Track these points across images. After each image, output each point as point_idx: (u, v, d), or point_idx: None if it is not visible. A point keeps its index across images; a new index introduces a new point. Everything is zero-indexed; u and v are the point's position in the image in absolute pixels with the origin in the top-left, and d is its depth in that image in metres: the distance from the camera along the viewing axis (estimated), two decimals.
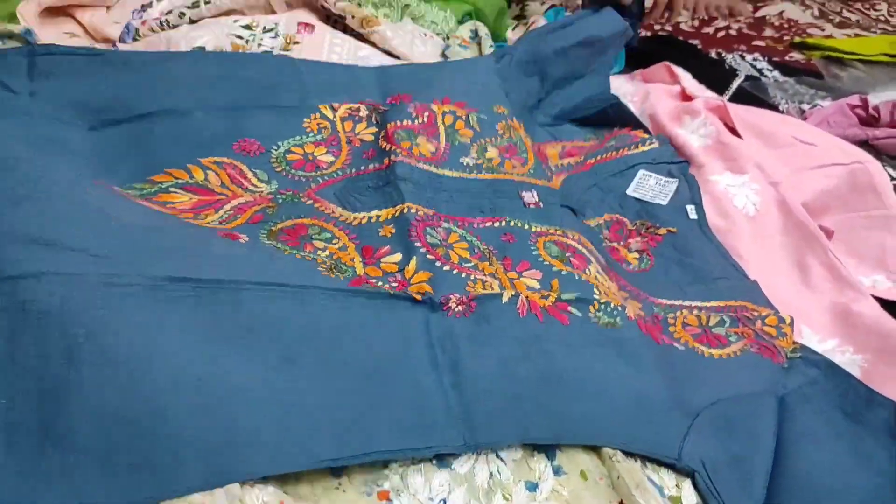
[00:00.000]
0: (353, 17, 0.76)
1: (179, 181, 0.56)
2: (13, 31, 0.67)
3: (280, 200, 0.58)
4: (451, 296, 0.50)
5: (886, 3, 1.43)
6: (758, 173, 0.68)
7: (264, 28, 0.73)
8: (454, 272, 0.53)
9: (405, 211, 0.57)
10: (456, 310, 0.49)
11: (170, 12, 0.75)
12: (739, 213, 0.66)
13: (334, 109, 0.66)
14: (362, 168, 0.63)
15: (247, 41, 0.72)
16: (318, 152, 0.63)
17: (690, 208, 0.69)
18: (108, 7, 0.79)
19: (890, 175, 0.76)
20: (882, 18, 1.37)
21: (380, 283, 0.50)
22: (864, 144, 0.84)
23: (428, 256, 0.53)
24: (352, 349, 0.44)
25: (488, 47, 0.89)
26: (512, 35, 0.93)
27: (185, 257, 0.45)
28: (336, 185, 0.61)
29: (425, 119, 0.65)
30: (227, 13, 0.76)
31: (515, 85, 0.74)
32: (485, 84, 0.72)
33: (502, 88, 0.72)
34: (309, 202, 0.58)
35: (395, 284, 0.51)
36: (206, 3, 0.76)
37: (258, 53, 0.71)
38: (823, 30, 1.30)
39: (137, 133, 0.58)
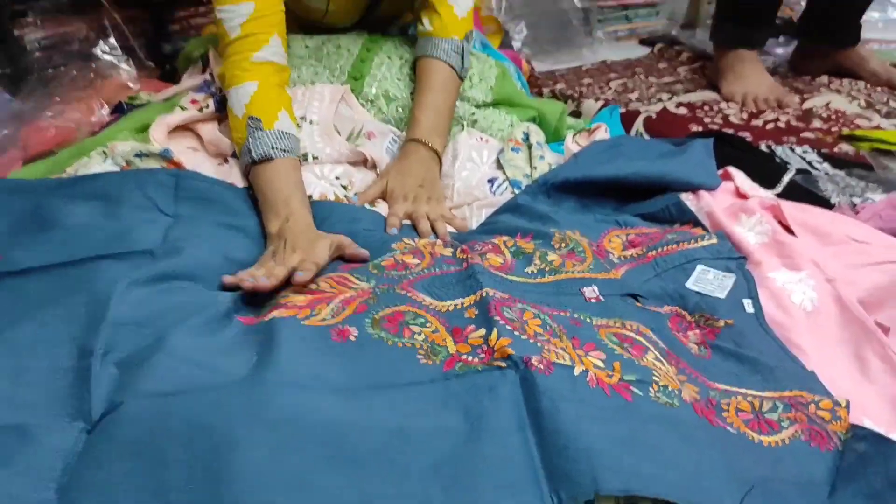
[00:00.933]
0: None
1: None
2: (152, 151, 0.79)
3: (379, 293, 0.65)
4: (532, 357, 0.56)
5: None
6: (814, 270, 0.73)
7: (357, 192, 0.89)
8: (531, 341, 0.59)
9: (485, 295, 0.64)
10: (538, 367, 0.55)
11: None
12: (797, 308, 0.71)
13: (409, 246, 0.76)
14: (444, 269, 0.70)
15: (346, 196, 0.86)
16: (406, 258, 0.71)
17: (747, 302, 0.73)
18: (219, 119, 0.91)
19: None
20: None
21: (470, 358, 0.57)
22: None
23: (507, 327, 0.59)
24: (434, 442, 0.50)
25: (537, 150, 0.97)
26: (571, 144, 1.00)
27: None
28: (424, 280, 0.69)
29: (490, 247, 0.74)
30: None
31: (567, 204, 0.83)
32: (540, 214, 0.81)
33: (558, 216, 0.81)
34: (403, 293, 0.66)
35: (482, 355, 0.57)
36: (314, 158, 0.88)
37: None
38: (871, 120, 1.34)
39: None
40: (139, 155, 0.80)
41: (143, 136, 0.85)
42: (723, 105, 1.43)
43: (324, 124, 0.94)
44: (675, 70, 1.71)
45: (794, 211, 0.84)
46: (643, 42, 1.96)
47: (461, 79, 1.01)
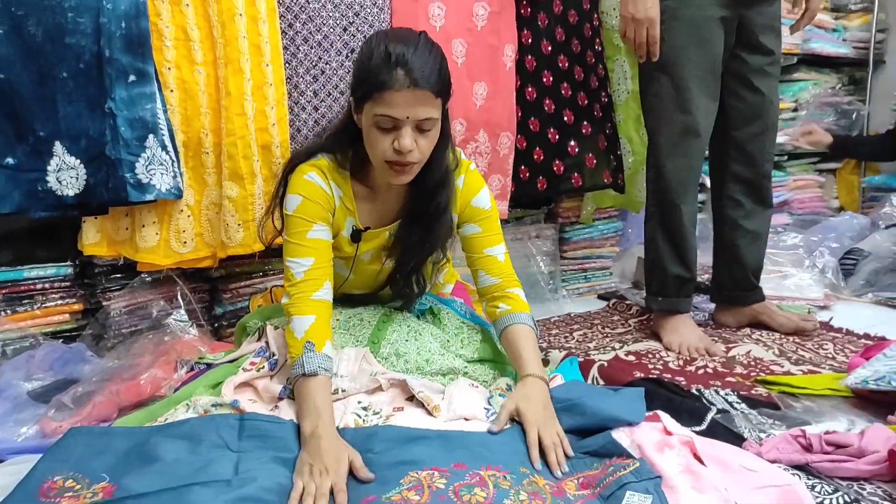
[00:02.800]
0: (429, 403, 1.18)
1: None
2: (224, 402, 1.08)
3: None
4: None
5: (832, 344, 1.82)
6: (715, 494, 0.99)
7: (374, 411, 1.16)
8: None
9: None
10: None
11: None
12: None
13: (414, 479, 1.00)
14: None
15: (363, 419, 1.13)
16: (408, 494, 0.95)
17: None
18: (271, 376, 1.21)
19: (826, 490, 1.06)
20: (829, 356, 1.74)
21: None
22: (806, 466, 1.15)
23: None
24: None
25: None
26: None
27: None
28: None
29: (478, 479, 0.99)
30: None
31: None
32: (515, 452, 1.08)
33: (523, 448, 1.08)
34: None
35: None
36: (342, 390, 1.18)
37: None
38: (783, 366, 1.67)
39: None
40: (215, 405, 1.09)
41: (216, 391, 1.14)
42: (663, 354, 1.77)
43: (350, 377, 1.24)
44: (627, 321, 2.08)
45: (705, 446, 1.11)
46: (600, 297, 2.37)
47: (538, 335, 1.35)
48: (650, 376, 1.59)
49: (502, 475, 1.00)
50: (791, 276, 2.32)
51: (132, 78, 1.40)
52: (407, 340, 1.34)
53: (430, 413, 1.15)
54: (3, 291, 1.52)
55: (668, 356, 1.75)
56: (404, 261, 1.37)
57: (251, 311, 1.61)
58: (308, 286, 1.21)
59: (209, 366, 1.30)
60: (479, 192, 1.39)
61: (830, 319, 2.03)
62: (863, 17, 3.27)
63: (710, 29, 1.74)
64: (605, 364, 1.65)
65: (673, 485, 1.01)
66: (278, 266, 1.76)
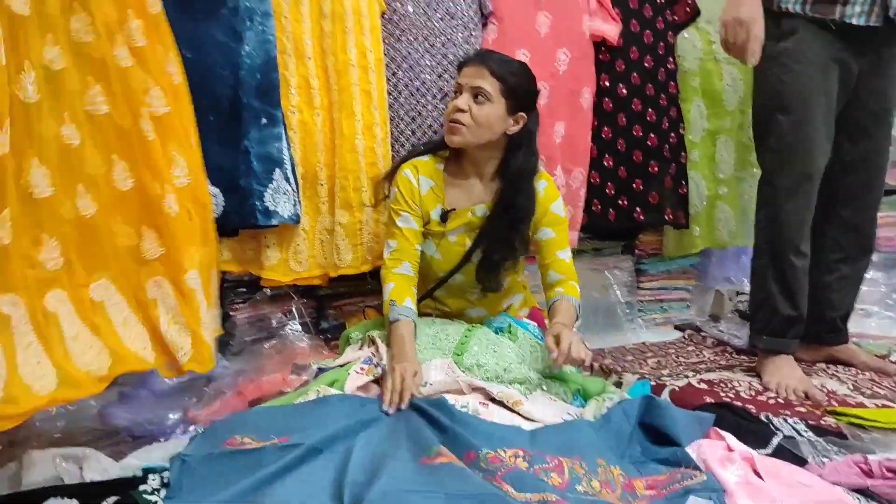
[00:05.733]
0: (508, 400, 1.33)
1: None
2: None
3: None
4: None
5: None
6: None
7: (461, 406, 1.32)
8: None
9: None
10: None
11: None
12: None
13: (504, 452, 1.16)
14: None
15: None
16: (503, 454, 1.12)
17: None
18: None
19: None
20: None
21: None
22: (865, 489, 1.22)
23: None
24: None
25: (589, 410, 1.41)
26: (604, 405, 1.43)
27: None
28: (511, 473, 1.09)
29: (556, 464, 1.14)
30: None
31: (614, 443, 1.24)
32: (591, 444, 1.21)
33: (602, 445, 1.21)
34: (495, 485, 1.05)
35: None
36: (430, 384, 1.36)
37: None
38: (856, 399, 1.70)
39: None
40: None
41: (335, 387, 1.36)
42: (735, 383, 1.83)
43: (436, 384, 1.41)
44: (701, 352, 2.16)
45: (764, 462, 1.21)
46: (677, 328, 2.45)
47: (578, 316, 1.63)
48: (720, 401, 1.67)
49: (579, 463, 1.14)
50: (873, 315, 2.33)
51: (264, 121, 1.65)
52: (487, 352, 1.50)
53: (512, 410, 1.30)
54: None
55: (740, 384, 1.81)
56: (492, 253, 1.63)
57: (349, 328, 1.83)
58: (392, 263, 1.59)
59: (321, 370, 1.50)
60: (557, 200, 1.71)
61: None
62: None
63: (828, 72, 1.76)
64: (677, 388, 1.74)
65: (731, 492, 1.12)
66: (375, 287, 1.96)
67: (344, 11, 1.76)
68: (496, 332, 1.61)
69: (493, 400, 1.36)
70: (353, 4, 1.77)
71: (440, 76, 1.94)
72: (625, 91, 2.21)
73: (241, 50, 1.61)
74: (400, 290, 1.54)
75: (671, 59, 2.27)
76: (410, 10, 1.89)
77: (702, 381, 1.84)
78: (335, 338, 1.89)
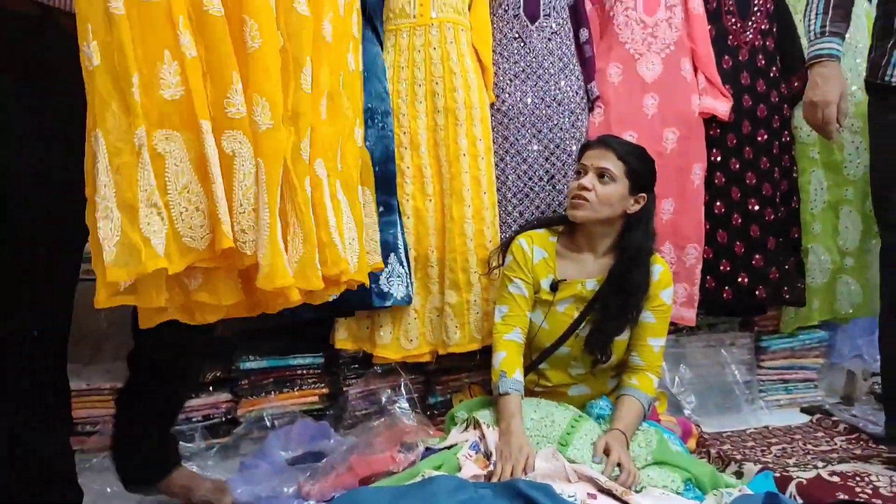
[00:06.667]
0: (617, 490, 1.32)
1: None
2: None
3: None
4: None
5: None
6: None
7: (568, 495, 1.29)
8: None
9: None
10: None
11: None
12: None
13: None
14: None
15: None
16: None
17: None
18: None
19: None
20: None
21: None
22: None
23: None
24: None
25: None
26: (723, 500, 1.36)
27: None
28: None
29: None
30: None
31: None
32: None
33: None
34: None
35: None
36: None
37: None
38: None
39: None
40: None
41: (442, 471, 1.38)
42: (874, 477, 1.68)
43: (541, 472, 1.40)
44: (833, 439, 2.00)
45: None
46: (804, 410, 2.28)
47: (646, 414, 1.63)
48: (856, 500, 1.54)
49: None
50: None
51: (381, 209, 1.77)
52: (587, 448, 1.48)
53: (622, 501, 1.28)
54: (274, 375, 1.91)
55: (879, 479, 1.66)
56: (603, 325, 1.66)
57: (454, 404, 1.89)
58: (503, 328, 1.66)
59: (428, 450, 1.54)
60: (669, 288, 1.72)
61: None
62: None
63: None
64: (805, 482, 1.63)
65: None
66: (481, 363, 1.99)
67: (457, 106, 1.89)
68: (598, 420, 1.60)
69: (601, 490, 1.33)
70: (466, 99, 1.89)
71: (547, 159, 2.00)
72: (737, 165, 2.17)
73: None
74: (510, 362, 1.61)
75: (786, 133, 2.22)
76: (519, 99, 1.99)
77: (833, 473, 1.70)
78: (441, 413, 1.93)
